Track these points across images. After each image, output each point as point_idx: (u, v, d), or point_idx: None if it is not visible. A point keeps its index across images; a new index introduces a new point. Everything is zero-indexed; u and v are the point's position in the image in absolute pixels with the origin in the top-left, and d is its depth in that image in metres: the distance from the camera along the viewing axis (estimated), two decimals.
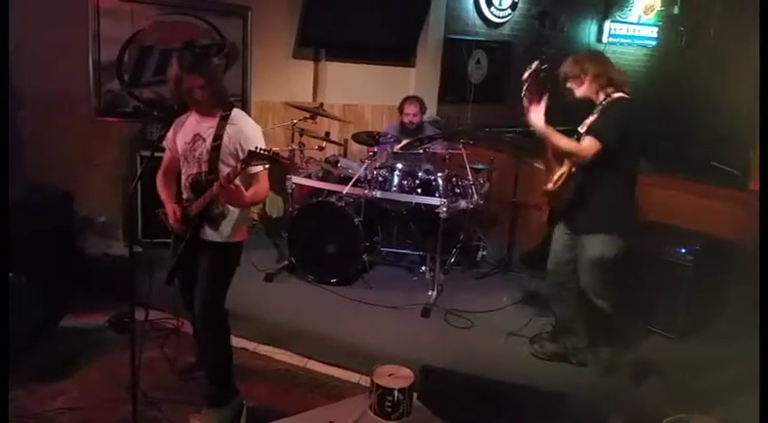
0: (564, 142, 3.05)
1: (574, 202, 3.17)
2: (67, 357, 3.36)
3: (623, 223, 3.17)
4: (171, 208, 2.86)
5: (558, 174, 3.15)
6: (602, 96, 3.12)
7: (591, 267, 3.18)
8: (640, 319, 3.80)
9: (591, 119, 3.11)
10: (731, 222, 3.85)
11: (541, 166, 4.74)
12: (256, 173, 2.72)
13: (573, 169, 3.10)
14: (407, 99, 5.19)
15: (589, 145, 2.96)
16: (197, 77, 2.67)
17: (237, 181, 2.64)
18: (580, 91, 3.17)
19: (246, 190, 2.75)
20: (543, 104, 3.03)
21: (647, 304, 3.82)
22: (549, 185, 3.19)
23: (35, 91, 4.33)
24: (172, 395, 3.07)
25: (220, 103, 2.79)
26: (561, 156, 3.13)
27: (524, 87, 3.02)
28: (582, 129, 3.11)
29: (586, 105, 3.18)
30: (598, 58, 3.25)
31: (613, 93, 3.09)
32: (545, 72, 3.03)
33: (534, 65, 3.04)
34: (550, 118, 3.03)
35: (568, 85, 3.20)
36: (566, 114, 3.19)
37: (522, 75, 3.08)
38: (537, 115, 3.02)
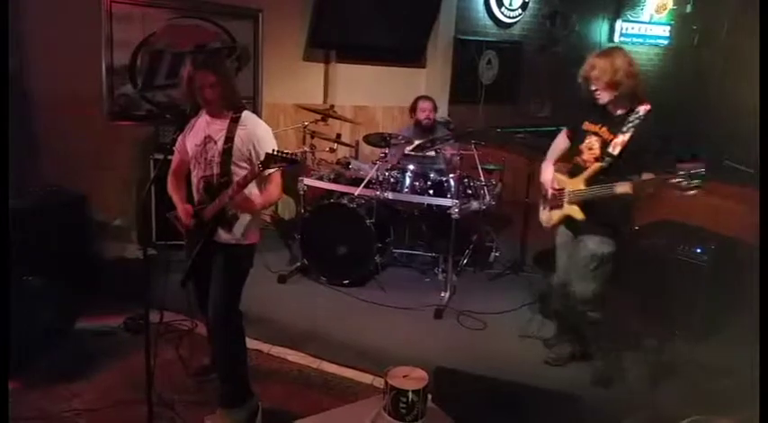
0: (626, 189, 2.85)
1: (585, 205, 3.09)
2: (83, 359, 3.39)
3: (620, 224, 3.11)
4: (183, 208, 2.88)
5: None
6: (625, 106, 2.95)
7: (584, 269, 3.13)
8: (647, 325, 3.77)
9: (623, 138, 2.90)
10: (746, 221, 3.81)
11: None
12: (269, 174, 2.73)
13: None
14: (420, 98, 5.18)
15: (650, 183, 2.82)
16: (209, 74, 2.68)
17: (253, 184, 2.66)
18: (608, 98, 2.95)
19: (260, 192, 2.76)
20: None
21: (663, 305, 3.80)
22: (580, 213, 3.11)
23: (49, 95, 4.39)
24: (187, 396, 3.09)
25: (231, 104, 2.80)
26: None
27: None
28: (614, 150, 2.91)
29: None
30: (632, 61, 2.93)
31: (639, 103, 2.92)
32: None
33: None
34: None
35: (592, 88, 2.96)
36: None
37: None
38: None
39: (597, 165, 3.00)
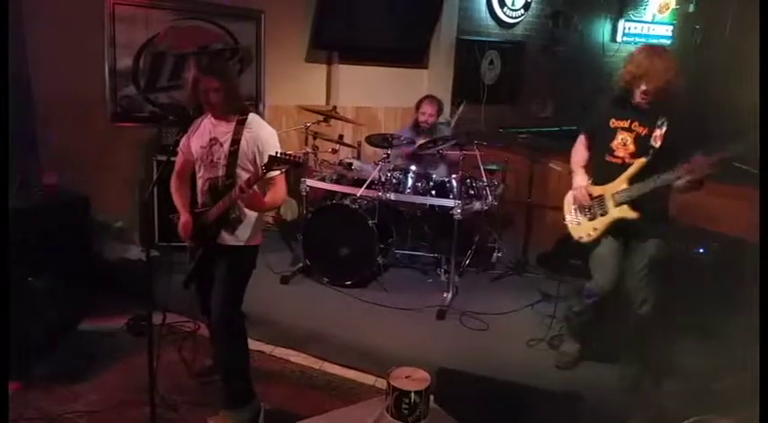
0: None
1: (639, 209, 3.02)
2: (86, 360, 3.40)
3: (669, 223, 3.09)
4: (184, 219, 2.88)
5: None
6: (650, 102, 2.95)
7: (647, 273, 3.06)
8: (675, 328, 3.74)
9: (659, 132, 2.92)
10: (750, 221, 3.80)
11: (557, 167, 4.73)
12: (273, 177, 2.73)
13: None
14: (426, 98, 5.14)
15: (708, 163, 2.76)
16: (213, 79, 2.69)
17: (256, 188, 2.66)
18: (655, 97, 2.92)
19: (264, 194, 2.76)
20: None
21: (666, 305, 3.78)
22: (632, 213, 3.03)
23: (52, 96, 4.39)
24: (189, 398, 3.09)
25: (236, 108, 2.80)
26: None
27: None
28: (656, 143, 2.92)
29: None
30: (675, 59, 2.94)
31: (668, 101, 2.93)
32: None
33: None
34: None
35: (644, 87, 2.90)
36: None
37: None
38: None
39: (641, 160, 2.97)
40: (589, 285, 3.21)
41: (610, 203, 3.08)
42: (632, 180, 3.00)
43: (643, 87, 2.91)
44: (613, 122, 3.08)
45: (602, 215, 3.12)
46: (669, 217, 3.13)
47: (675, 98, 2.94)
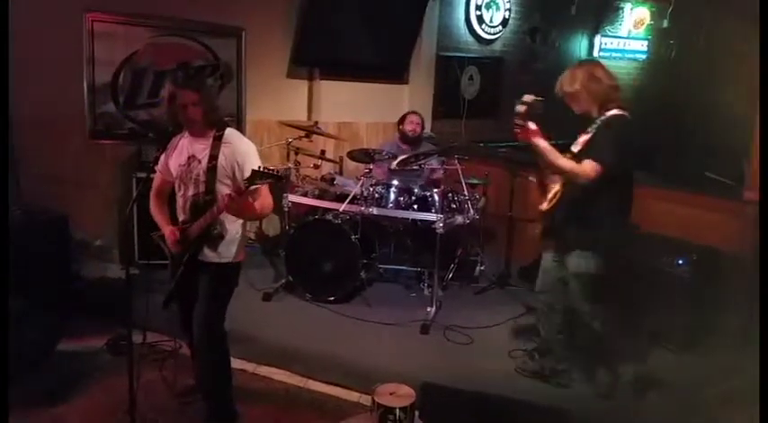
0: (563, 162, 2.96)
1: (564, 219, 3.12)
2: (65, 381, 3.33)
3: (609, 238, 3.06)
4: (169, 230, 2.85)
5: (553, 192, 3.11)
6: (597, 111, 3.04)
7: (577, 285, 3.14)
8: (639, 337, 3.78)
9: (585, 137, 3.04)
10: (726, 232, 3.86)
11: (535, 180, 4.78)
12: (257, 188, 2.71)
13: (566, 187, 3.06)
14: (410, 112, 5.34)
15: (591, 168, 2.86)
16: (191, 93, 2.68)
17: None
18: (579, 108, 3.09)
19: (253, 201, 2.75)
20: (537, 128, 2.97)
21: (646, 317, 3.82)
22: (544, 205, 3.15)
23: (30, 113, 4.34)
24: (171, 418, 3.04)
25: (213, 123, 2.79)
26: (558, 174, 3.07)
27: (519, 119, 2.92)
28: (575, 148, 3.05)
29: (581, 118, 3.12)
30: (595, 71, 3.05)
31: (610, 109, 3.00)
32: (540, 102, 2.92)
33: (528, 99, 2.91)
34: (546, 129, 3.00)
35: (568, 101, 3.10)
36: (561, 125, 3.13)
37: (514, 91, 3.05)
38: (535, 138, 2.95)
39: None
40: None
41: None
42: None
43: (568, 102, 3.10)
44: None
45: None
46: (615, 228, 3.09)
47: (604, 107, 3.03)
